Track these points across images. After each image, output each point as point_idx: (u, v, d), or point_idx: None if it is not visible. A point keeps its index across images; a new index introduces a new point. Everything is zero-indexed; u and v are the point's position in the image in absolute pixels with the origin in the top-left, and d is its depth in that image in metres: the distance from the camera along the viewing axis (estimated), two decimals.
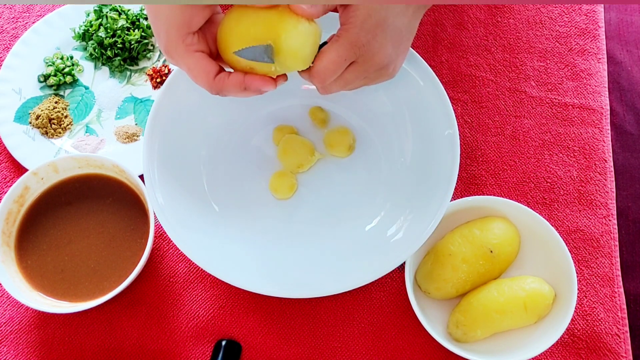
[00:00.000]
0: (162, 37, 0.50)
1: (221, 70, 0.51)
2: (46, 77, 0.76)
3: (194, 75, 0.51)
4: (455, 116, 0.61)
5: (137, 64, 0.77)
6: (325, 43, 0.51)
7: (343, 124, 0.67)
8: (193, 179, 0.64)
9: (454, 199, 0.64)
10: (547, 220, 0.63)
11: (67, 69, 0.75)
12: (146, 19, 0.78)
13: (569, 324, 0.60)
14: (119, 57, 0.76)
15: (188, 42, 0.49)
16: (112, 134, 0.73)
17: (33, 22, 0.79)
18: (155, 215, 0.61)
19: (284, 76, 0.52)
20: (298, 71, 0.52)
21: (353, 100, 0.66)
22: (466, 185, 0.70)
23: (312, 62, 0.51)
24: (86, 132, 0.74)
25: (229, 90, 0.51)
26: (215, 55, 0.52)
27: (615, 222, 0.68)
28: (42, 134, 0.73)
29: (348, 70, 0.51)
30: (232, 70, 0.51)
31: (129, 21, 0.77)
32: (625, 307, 0.64)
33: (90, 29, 0.77)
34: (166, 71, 0.76)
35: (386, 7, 0.49)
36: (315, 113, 0.68)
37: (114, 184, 0.67)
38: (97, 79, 0.77)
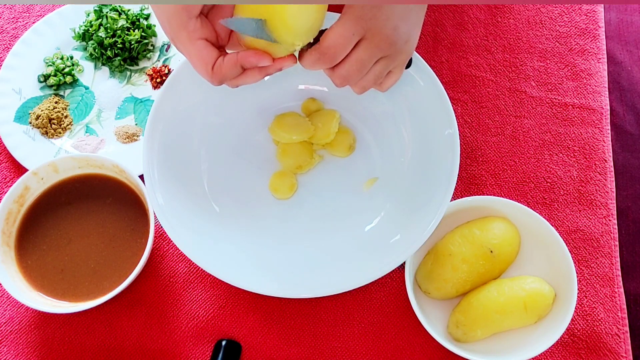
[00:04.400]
0: (165, 25, 0.50)
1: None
2: (46, 77, 0.75)
3: (194, 65, 0.50)
4: (455, 116, 0.61)
5: (137, 64, 0.77)
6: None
7: (343, 124, 0.67)
8: (193, 179, 0.64)
9: (454, 199, 0.64)
10: (547, 220, 0.63)
11: (67, 69, 0.75)
12: (146, 19, 0.78)
13: (569, 324, 0.60)
14: (119, 57, 0.76)
15: (191, 28, 0.48)
16: (112, 134, 0.73)
17: (33, 22, 0.79)
18: (155, 215, 0.61)
19: (292, 57, 0.50)
20: (305, 57, 0.50)
21: (354, 100, 0.66)
22: (466, 185, 0.70)
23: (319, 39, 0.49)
24: (86, 132, 0.74)
25: (228, 73, 0.50)
26: (225, 40, 0.51)
27: (615, 222, 0.68)
28: (42, 134, 0.73)
29: (359, 48, 0.50)
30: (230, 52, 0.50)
31: (129, 21, 0.77)
32: (625, 307, 0.64)
33: (90, 29, 0.77)
34: (166, 71, 0.76)
35: None
36: (307, 106, 0.68)
37: (114, 184, 0.66)
38: (97, 79, 0.77)
